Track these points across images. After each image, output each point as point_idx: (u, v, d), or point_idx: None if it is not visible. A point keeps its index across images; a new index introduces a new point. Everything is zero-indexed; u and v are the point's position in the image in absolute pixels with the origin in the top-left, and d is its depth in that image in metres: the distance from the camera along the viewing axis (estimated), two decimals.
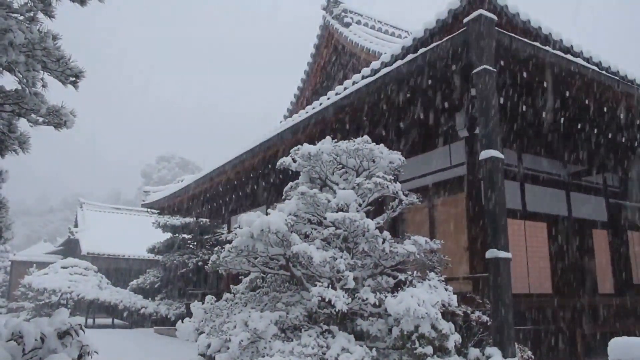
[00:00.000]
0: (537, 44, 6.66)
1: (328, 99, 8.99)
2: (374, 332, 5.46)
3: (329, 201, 5.92)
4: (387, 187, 6.03)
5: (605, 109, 7.84)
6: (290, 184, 6.94)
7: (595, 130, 8.81)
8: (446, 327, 5.14)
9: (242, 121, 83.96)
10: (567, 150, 9.69)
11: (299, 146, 6.61)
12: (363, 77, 8.35)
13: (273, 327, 5.27)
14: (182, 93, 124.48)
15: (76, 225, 33.43)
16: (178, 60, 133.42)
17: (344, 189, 6.29)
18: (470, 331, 5.88)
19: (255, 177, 12.99)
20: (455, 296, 5.50)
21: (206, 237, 20.74)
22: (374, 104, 8.04)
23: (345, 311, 5.26)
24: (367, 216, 5.93)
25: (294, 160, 6.77)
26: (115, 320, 21.48)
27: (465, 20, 6.28)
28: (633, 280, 10.80)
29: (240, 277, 7.06)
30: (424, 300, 4.99)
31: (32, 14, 5.07)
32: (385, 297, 5.30)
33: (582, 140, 9.29)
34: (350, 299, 5.26)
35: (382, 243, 5.65)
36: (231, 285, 7.07)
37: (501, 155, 6.09)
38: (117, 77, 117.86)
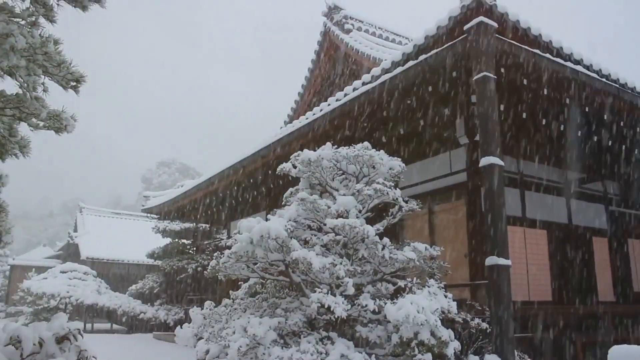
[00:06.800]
0: (537, 51, 6.68)
1: (328, 105, 9.00)
2: (374, 339, 5.44)
3: (328, 207, 5.91)
4: (387, 193, 6.02)
5: (605, 116, 7.85)
6: (290, 189, 6.93)
7: (595, 138, 8.82)
8: (445, 334, 5.12)
9: (242, 126, 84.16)
10: (567, 158, 9.69)
11: (299, 152, 6.61)
12: (363, 84, 8.37)
13: (272, 333, 5.24)
14: (183, 98, 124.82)
15: (76, 230, 33.39)
16: (180, 65, 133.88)
17: (344, 195, 6.28)
18: (469, 338, 5.86)
19: (255, 182, 12.99)
20: (455, 303, 5.48)
21: (206, 242, 20.70)
22: (374, 110, 8.05)
23: (345, 317, 5.24)
24: (367, 222, 5.92)
25: (294, 166, 6.76)
26: (114, 325, 21.41)
27: (465, 27, 6.30)
28: (633, 288, 10.77)
29: (239, 283, 7.04)
30: (424, 307, 4.97)
31: (33, 19, 5.09)
32: (385, 303, 5.28)
33: (582, 148, 9.30)
34: (349, 306, 5.25)
35: (382, 249, 5.64)
36: (230, 291, 7.05)
37: (501, 162, 6.09)
38: (119, 82, 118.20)
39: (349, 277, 5.43)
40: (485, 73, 6.06)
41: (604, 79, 7.63)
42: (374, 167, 6.49)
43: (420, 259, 5.82)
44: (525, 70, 6.61)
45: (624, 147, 9.17)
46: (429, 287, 5.55)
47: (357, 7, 17.38)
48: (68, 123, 5.37)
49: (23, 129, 5.43)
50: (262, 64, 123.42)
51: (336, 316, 5.13)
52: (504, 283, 5.74)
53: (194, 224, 20.23)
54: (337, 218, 5.81)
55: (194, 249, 20.81)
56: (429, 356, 4.93)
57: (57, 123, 5.32)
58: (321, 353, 5.01)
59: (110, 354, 11.15)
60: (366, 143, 6.66)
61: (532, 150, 9.26)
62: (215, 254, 5.95)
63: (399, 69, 7.26)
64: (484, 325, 5.87)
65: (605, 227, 10.73)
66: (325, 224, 5.88)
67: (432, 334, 5.02)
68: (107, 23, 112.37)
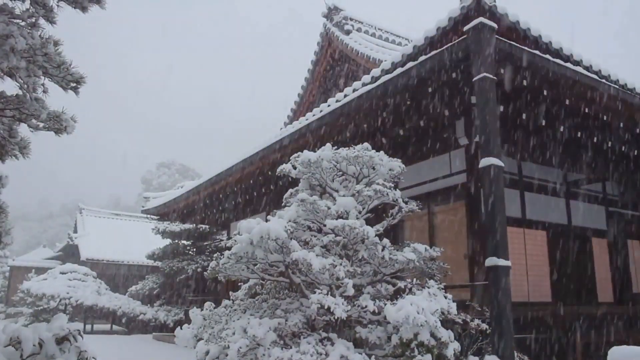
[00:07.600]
0: (536, 52, 6.68)
1: (328, 105, 9.01)
2: (373, 340, 5.44)
3: (328, 208, 5.91)
4: (387, 194, 6.02)
5: (604, 117, 7.86)
6: (290, 190, 6.93)
7: (595, 139, 8.82)
8: (445, 335, 5.12)
9: (242, 127, 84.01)
10: (567, 159, 9.69)
11: (299, 153, 6.61)
12: (363, 85, 8.37)
13: (272, 334, 5.24)
14: (182, 99, 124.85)
15: (75, 231, 33.39)
16: (179, 66, 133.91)
17: (343, 196, 6.28)
18: (469, 339, 5.86)
19: (255, 183, 12.99)
20: (455, 304, 5.48)
21: (205, 243, 20.70)
22: (374, 111, 8.05)
23: (345, 318, 5.24)
24: (367, 223, 5.92)
25: (294, 167, 6.76)
26: (114, 326, 21.40)
27: (465, 28, 6.30)
28: (632, 289, 10.77)
29: (239, 284, 7.04)
30: (424, 308, 4.97)
31: (33, 20, 5.09)
32: (385, 304, 5.28)
33: (582, 149, 9.30)
34: (349, 307, 5.24)
35: (382, 250, 5.64)
36: (230, 292, 7.04)
37: (501, 163, 6.09)
38: (119, 83, 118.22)
39: (349, 278, 5.43)
40: (485, 74, 6.06)
41: (603, 80, 7.63)
42: (373, 168, 6.49)
43: (420, 259, 5.82)
44: (525, 71, 6.62)
45: (623, 148, 9.17)
46: (428, 288, 5.56)
47: (357, 8, 17.40)
48: (68, 124, 5.37)
49: (23, 130, 5.44)
50: (262, 65, 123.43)
51: (336, 317, 5.12)
52: (503, 284, 5.74)
53: (194, 225, 20.22)
54: (337, 219, 5.81)
55: (194, 250, 20.81)
56: (428, 357, 4.93)
57: (57, 124, 5.32)
58: (321, 354, 5.01)
59: (111, 354, 11.15)
60: (366, 144, 6.66)
61: (532, 151, 9.25)
62: (215, 255, 5.95)
63: (399, 70, 7.27)
64: (484, 326, 5.88)
65: (604, 228, 10.74)
66: (325, 225, 5.88)
67: (432, 335, 5.02)
68: (104, 23, 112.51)
